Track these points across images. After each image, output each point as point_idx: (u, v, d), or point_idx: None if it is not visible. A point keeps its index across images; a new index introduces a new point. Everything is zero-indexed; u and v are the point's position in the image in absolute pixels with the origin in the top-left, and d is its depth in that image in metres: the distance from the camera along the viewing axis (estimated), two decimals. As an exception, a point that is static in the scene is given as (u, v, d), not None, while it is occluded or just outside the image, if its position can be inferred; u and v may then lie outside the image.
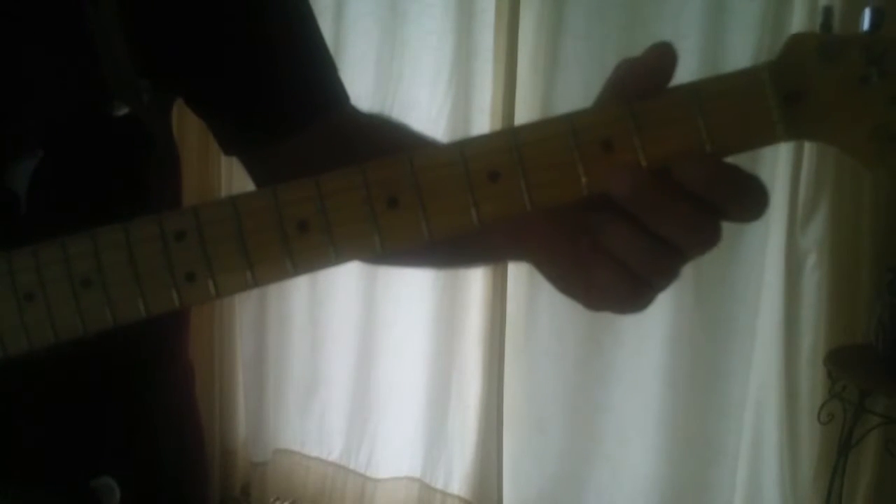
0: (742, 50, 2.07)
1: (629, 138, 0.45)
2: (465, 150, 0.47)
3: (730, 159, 0.46)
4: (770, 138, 0.45)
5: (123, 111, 0.61)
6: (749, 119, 0.45)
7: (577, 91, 2.23)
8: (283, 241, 0.48)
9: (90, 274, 0.50)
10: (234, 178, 2.66)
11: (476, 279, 2.41)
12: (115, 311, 0.51)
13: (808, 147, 1.94)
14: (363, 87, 2.47)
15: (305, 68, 0.72)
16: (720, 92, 0.45)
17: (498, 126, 2.36)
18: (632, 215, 0.47)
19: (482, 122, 2.40)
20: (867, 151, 0.44)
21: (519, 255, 0.60)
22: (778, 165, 1.99)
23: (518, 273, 2.38)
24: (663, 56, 0.46)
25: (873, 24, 0.42)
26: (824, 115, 0.45)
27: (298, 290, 2.71)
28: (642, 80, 0.46)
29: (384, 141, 0.72)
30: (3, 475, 0.60)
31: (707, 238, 0.47)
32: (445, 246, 0.58)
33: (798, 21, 1.94)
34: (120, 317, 0.51)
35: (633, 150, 0.45)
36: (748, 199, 0.46)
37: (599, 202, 0.47)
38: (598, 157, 0.46)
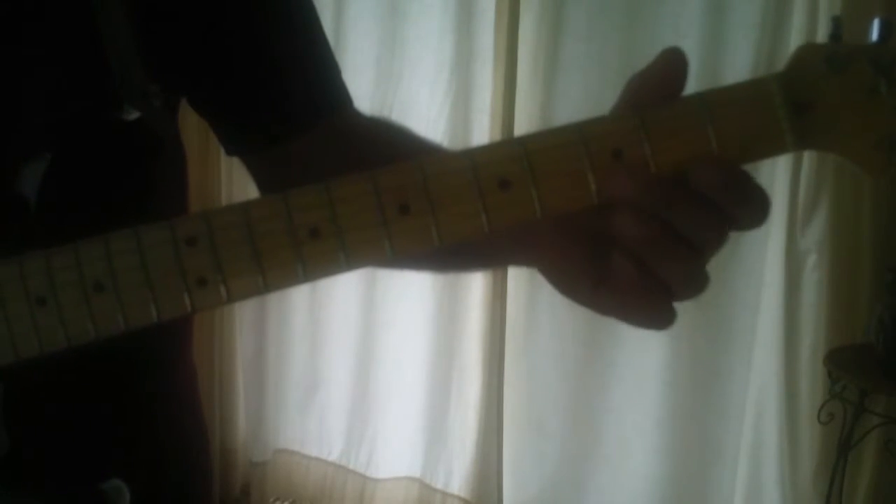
0: (742, 50, 2.07)
1: (639, 147, 0.46)
2: (476, 158, 0.47)
3: None
4: (779, 148, 0.45)
5: (133, 115, 0.61)
6: (759, 129, 0.45)
7: (577, 92, 2.24)
8: (295, 246, 0.48)
9: (102, 279, 0.51)
10: (234, 178, 2.66)
11: (476, 280, 2.41)
12: (127, 315, 0.51)
13: (808, 148, 1.94)
14: (363, 87, 2.46)
15: (309, 71, 0.72)
16: (729, 102, 0.45)
17: (497, 126, 2.36)
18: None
19: (482, 123, 2.40)
20: (872, 161, 0.44)
21: (523, 260, 0.60)
22: (778, 166, 1.99)
23: (518, 273, 2.38)
24: (672, 65, 0.47)
25: (882, 35, 0.43)
26: (832, 126, 0.45)
27: (298, 291, 2.71)
28: (654, 91, 0.47)
29: (386, 145, 0.72)
30: (12, 479, 0.60)
31: (717, 243, 0.47)
32: (451, 252, 0.58)
33: (798, 22, 1.94)
34: (132, 322, 0.51)
35: (644, 159, 0.46)
36: (754, 206, 0.46)
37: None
38: (609, 165, 0.46)
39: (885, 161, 0.44)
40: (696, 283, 0.49)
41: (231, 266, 0.49)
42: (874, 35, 0.43)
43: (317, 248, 0.48)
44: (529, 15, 2.32)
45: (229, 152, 0.76)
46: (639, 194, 0.46)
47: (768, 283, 2.06)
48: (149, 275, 0.50)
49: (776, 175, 2.00)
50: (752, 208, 0.46)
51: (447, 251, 0.49)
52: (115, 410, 0.68)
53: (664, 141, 0.46)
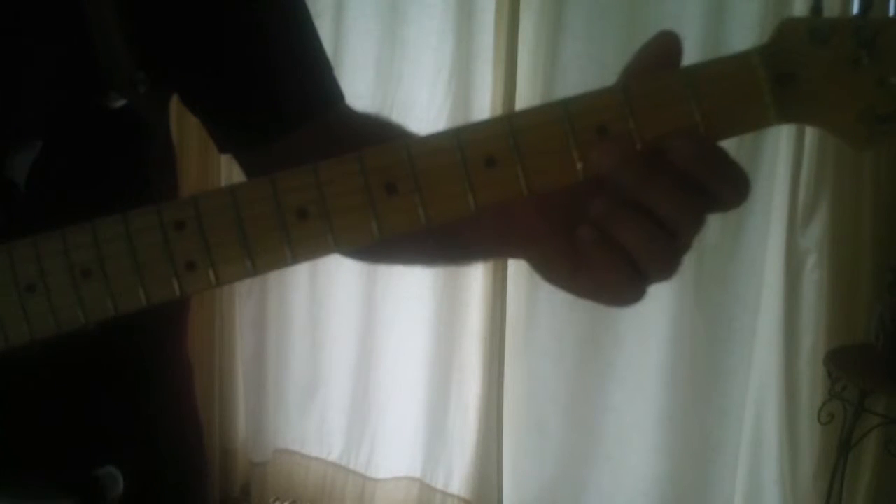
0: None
1: (624, 122, 0.46)
2: (462, 137, 0.47)
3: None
4: (762, 121, 0.45)
5: (120, 103, 0.61)
6: (741, 101, 0.45)
7: (577, 91, 2.23)
8: (283, 228, 0.49)
9: (90, 264, 0.51)
10: (234, 178, 2.66)
11: (476, 279, 2.41)
12: (116, 300, 0.51)
13: (808, 147, 1.94)
14: (363, 87, 2.47)
15: (300, 67, 0.72)
16: (713, 75, 0.46)
17: (498, 127, 2.36)
18: (623, 195, 0.47)
19: (482, 123, 2.40)
20: (855, 133, 0.45)
21: (506, 248, 0.60)
22: (778, 165, 1.99)
23: (518, 273, 2.39)
24: (666, 45, 0.47)
25: (864, 7, 0.43)
26: (815, 97, 0.45)
27: (298, 290, 2.71)
28: (650, 67, 0.47)
29: (379, 140, 0.72)
30: (7, 465, 0.60)
31: (692, 219, 0.47)
32: (435, 241, 0.58)
33: (797, 21, 1.94)
34: (121, 306, 0.51)
35: (628, 134, 0.46)
36: (731, 181, 0.46)
37: (589, 185, 0.48)
38: (593, 141, 0.46)
39: (867, 133, 0.44)
40: (667, 260, 0.49)
41: (219, 249, 0.49)
42: (855, 7, 0.43)
43: (304, 230, 0.48)
44: (529, 15, 2.32)
45: (221, 150, 0.75)
46: (623, 170, 0.46)
47: (768, 283, 2.06)
48: (137, 260, 0.50)
49: (776, 175, 2.00)
50: (730, 183, 0.46)
51: (433, 239, 0.49)
52: (109, 399, 0.68)
53: (648, 115, 0.46)
